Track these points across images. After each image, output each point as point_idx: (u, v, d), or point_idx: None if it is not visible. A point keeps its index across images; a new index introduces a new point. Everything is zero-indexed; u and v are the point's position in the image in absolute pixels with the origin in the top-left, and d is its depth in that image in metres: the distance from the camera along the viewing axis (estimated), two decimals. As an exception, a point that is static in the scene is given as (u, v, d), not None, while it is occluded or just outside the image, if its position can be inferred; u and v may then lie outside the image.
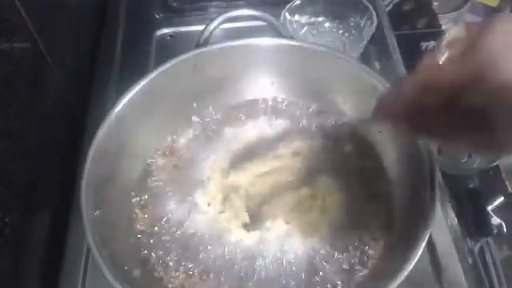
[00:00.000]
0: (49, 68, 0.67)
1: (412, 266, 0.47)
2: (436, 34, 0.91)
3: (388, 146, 0.62)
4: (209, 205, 0.62)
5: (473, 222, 0.68)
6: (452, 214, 0.64)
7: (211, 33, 0.67)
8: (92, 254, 0.50)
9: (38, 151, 0.64)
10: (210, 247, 0.59)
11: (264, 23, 0.72)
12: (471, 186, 0.73)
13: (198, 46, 0.65)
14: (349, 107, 0.67)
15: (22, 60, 0.60)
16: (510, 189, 0.72)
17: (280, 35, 0.69)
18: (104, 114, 0.75)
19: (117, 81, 0.80)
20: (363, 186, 0.62)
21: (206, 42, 0.66)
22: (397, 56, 0.82)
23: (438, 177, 0.53)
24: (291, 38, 0.69)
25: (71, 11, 0.79)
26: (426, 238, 0.49)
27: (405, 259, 0.48)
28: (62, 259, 0.63)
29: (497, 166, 0.73)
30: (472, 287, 0.60)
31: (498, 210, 0.70)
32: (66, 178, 0.68)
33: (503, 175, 0.73)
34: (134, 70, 0.81)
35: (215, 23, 0.67)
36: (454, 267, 0.61)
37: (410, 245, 0.49)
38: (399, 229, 0.57)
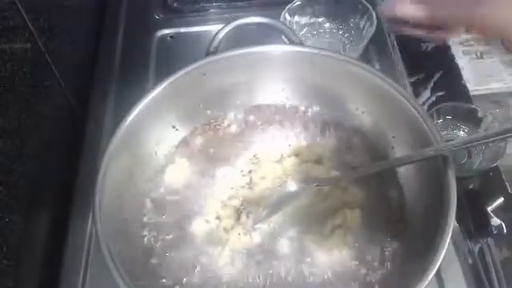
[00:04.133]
0: (49, 68, 0.68)
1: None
2: (436, 34, 0.90)
3: (409, 168, 0.61)
4: (219, 218, 0.61)
5: (473, 222, 0.68)
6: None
7: (220, 41, 0.66)
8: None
9: (38, 151, 0.64)
10: (220, 263, 0.59)
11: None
12: (471, 186, 0.73)
13: (207, 54, 0.65)
14: (362, 113, 0.66)
15: (22, 60, 0.60)
16: (509, 189, 0.72)
17: (289, 41, 0.68)
18: (103, 114, 0.76)
19: (117, 81, 0.80)
20: (379, 200, 0.62)
21: (215, 50, 0.66)
22: (397, 57, 0.82)
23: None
24: (301, 44, 0.69)
25: (71, 11, 0.79)
26: (438, 265, 0.48)
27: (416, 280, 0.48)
28: (62, 259, 0.63)
29: (496, 167, 0.73)
30: (472, 288, 0.60)
31: (498, 211, 0.69)
32: (65, 178, 0.69)
33: (503, 176, 0.73)
34: (134, 70, 0.82)
35: (224, 31, 0.67)
36: (454, 268, 0.61)
37: (421, 266, 0.49)
38: (413, 244, 0.57)
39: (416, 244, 0.56)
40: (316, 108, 0.69)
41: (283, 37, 0.69)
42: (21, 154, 0.58)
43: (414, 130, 0.58)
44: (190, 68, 0.62)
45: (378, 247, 0.59)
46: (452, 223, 0.50)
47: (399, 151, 0.62)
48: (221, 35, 0.66)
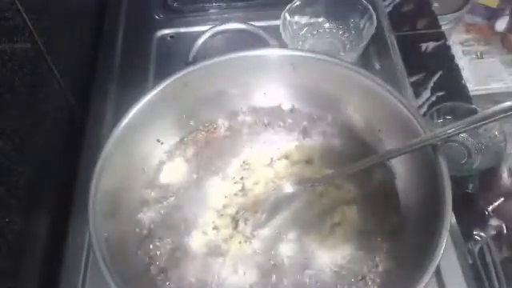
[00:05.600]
0: (49, 68, 0.68)
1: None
2: (436, 34, 0.91)
3: (401, 160, 0.62)
4: (216, 228, 0.61)
5: (473, 222, 0.68)
6: (452, 215, 0.64)
7: (198, 50, 0.66)
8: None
9: (38, 151, 0.64)
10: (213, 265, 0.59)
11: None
12: (471, 186, 0.73)
13: (187, 64, 0.65)
14: (347, 109, 0.66)
15: (22, 60, 0.60)
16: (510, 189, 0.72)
17: (267, 45, 0.69)
18: (103, 114, 0.76)
19: (117, 81, 0.80)
20: (374, 194, 0.62)
21: (194, 60, 0.66)
22: (397, 57, 0.82)
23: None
24: (280, 47, 0.69)
25: (71, 11, 0.79)
26: (435, 266, 0.48)
27: (414, 279, 0.48)
28: (62, 259, 0.63)
29: (496, 167, 0.73)
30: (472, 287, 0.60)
31: (498, 211, 0.70)
32: (65, 178, 0.69)
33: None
34: (134, 70, 0.82)
35: (201, 40, 0.67)
36: (454, 268, 0.61)
37: (419, 265, 0.49)
38: (410, 243, 0.57)
39: (415, 236, 0.56)
40: (301, 108, 0.69)
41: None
42: (21, 154, 0.58)
43: (401, 122, 0.59)
44: (170, 79, 0.62)
45: (378, 243, 0.59)
46: (450, 213, 0.50)
47: (388, 145, 0.62)
48: (198, 43, 0.67)
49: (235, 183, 0.64)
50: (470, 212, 0.69)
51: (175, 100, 0.64)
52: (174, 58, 0.82)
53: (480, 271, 0.64)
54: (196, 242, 0.60)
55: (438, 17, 0.94)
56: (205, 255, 0.59)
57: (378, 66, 0.81)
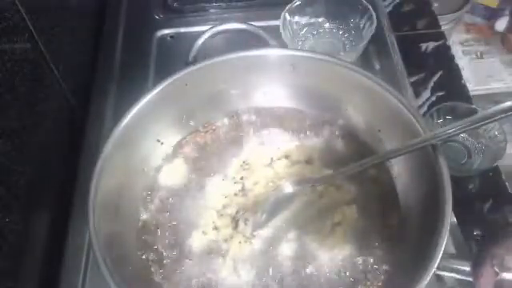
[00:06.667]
0: (49, 68, 0.68)
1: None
2: (436, 34, 0.91)
3: (401, 160, 0.62)
4: (216, 229, 0.61)
5: (473, 222, 0.68)
6: (452, 215, 0.64)
7: (198, 50, 0.66)
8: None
9: (38, 151, 0.64)
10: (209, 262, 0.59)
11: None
12: (471, 186, 0.73)
13: (187, 64, 0.65)
14: (347, 110, 0.67)
15: (22, 60, 0.60)
16: (509, 189, 0.72)
17: (267, 45, 0.68)
18: (103, 114, 0.76)
19: (117, 81, 0.80)
20: (374, 194, 0.62)
21: (194, 60, 0.66)
22: (397, 57, 0.82)
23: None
24: (280, 47, 0.69)
25: (71, 11, 0.79)
26: (435, 266, 0.48)
27: (414, 279, 0.48)
28: (62, 259, 0.63)
29: (496, 167, 0.73)
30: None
31: (498, 211, 0.70)
32: (65, 178, 0.69)
33: (503, 176, 0.73)
34: (134, 70, 0.82)
35: (201, 40, 0.67)
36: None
37: (419, 265, 0.49)
38: (410, 243, 0.57)
39: (415, 236, 0.56)
40: (301, 108, 0.69)
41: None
42: (21, 154, 0.58)
43: (401, 122, 0.58)
44: (170, 79, 0.62)
45: (378, 242, 0.59)
46: (450, 213, 0.50)
47: (388, 145, 0.63)
48: (198, 43, 0.67)
49: (235, 183, 0.64)
50: (470, 212, 0.69)
51: (175, 100, 0.64)
52: (174, 58, 0.82)
53: (480, 271, 0.64)
54: (196, 242, 0.60)
55: (438, 17, 0.94)
56: (205, 255, 0.59)
57: (377, 66, 0.81)
